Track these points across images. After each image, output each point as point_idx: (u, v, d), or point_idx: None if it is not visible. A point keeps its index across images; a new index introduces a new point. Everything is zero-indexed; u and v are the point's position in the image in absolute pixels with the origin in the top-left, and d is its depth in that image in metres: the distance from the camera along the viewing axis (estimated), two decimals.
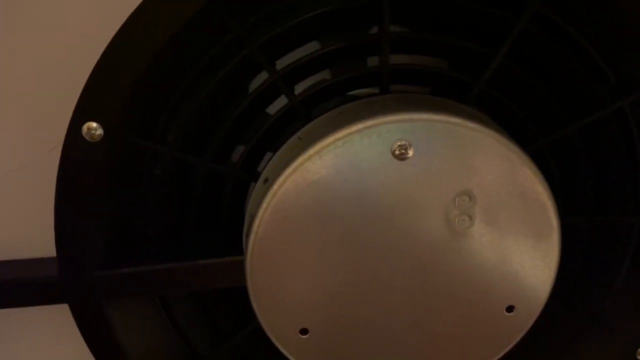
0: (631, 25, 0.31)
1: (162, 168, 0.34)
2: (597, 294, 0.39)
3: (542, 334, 0.41)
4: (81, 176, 0.32)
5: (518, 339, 0.35)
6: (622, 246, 0.38)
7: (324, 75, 0.37)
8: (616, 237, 0.38)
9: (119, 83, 0.30)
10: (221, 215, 0.35)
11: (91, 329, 0.35)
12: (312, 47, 0.35)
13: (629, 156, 0.35)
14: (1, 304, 0.34)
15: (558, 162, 0.36)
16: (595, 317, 0.39)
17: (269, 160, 0.35)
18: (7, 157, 0.33)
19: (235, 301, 0.38)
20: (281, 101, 0.34)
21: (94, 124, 0.30)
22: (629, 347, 0.39)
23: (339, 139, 0.30)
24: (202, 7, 0.30)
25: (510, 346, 0.35)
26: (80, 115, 0.30)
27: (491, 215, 0.32)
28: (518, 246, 0.32)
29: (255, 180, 0.34)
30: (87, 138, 0.31)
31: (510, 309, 0.34)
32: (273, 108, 0.35)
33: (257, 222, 0.31)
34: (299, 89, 0.35)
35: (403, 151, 0.30)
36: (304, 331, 0.34)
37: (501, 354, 0.35)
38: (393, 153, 0.30)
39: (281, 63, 0.34)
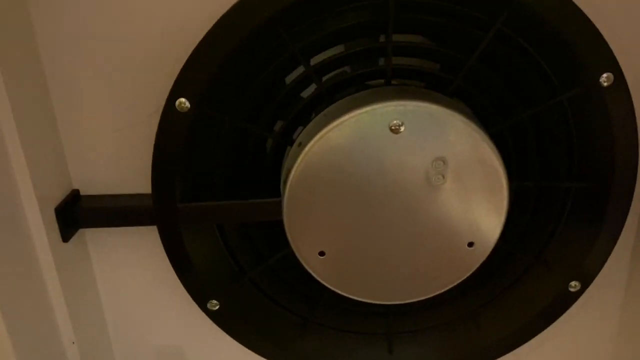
0: (564, 43, 0.43)
1: (226, 133, 0.47)
2: (541, 239, 0.52)
3: (498, 270, 0.54)
4: (171, 137, 0.45)
5: (476, 267, 0.48)
6: (562, 204, 0.51)
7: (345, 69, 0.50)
8: (557, 197, 0.51)
9: (203, 72, 0.43)
10: (266, 168, 0.49)
11: (170, 244, 0.49)
12: (339, 48, 0.48)
13: (566, 137, 0.48)
14: (114, 224, 0.48)
15: (514, 139, 0.49)
16: (538, 257, 0.52)
17: (301, 131, 0.48)
18: (120, 118, 0.47)
19: (272, 232, 0.52)
20: (313, 87, 0.47)
21: (184, 99, 0.44)
22: (562, 281, 0.52)
23: (352, 117, 0.42)
24: (262, 20, 0.43)
25: (471, 272, 0.48)
26: (175, 92, 0.44)
27: (459, 175, 0.44)
28: (477, 198, 0.45)
29: (292, 145, 0.47)
30: (178, 109, 0.44)
31: (470, 244, 0.47)
32: (307, 91, 0.48)
33: (292, 173, 0.44)
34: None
35: (397, 127, 0.43)
36: (321, 253, 0.47)
37: (463, 278, 0.48)
38: (390, 129, 0.43)
39: (315, 59, 0.47)
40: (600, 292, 0.54)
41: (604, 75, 0.43)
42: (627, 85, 0.44)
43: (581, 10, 0.41)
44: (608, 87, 0.44)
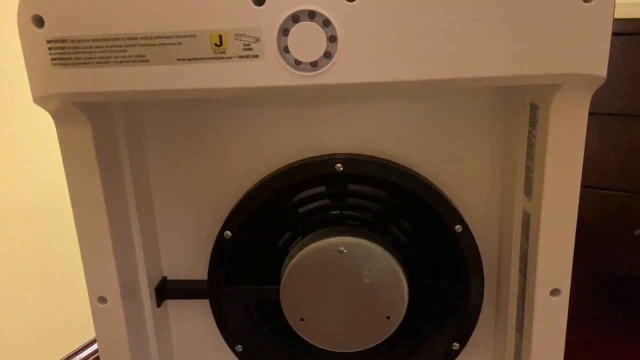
0: (432, 207, 0.79)
1: (252, 247, 0.84)
2: (437, 314, 0.85)
3: (411, 334, 0.88)
4: (220, 251, 0.82)
5: (392, 331, 0.81)
6: (446, 294, 0.84)
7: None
8: (444, 290, 0.85)
9: (240, 217, 0.80)
10: (275, 267, 0.85)
11: (215, 309, 0.85)
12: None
13: (445, 257, 0.82)
14: (185, 297, 0.85)
15: (416, 255, 0.83)
16: (435, 326, 0.86)
17: (293, 247, 0.84)
18: (192, 237, 0.84)
19: (276, 304, 0.87)
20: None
21: (229, 232, 0.81)
22: (448, 342, 0.85)
23: (318, 244, 0.78)
24: (270, 193, 0.80)
25: (389, 334, 0.82)
26: (223, 227, 0.81)
27: (379, 277, 0.79)
28: (390, 290, 0.79)
29: (287, 255, 0.83)
30: (225, 237, 0.81)
31: (388, 317, 0.81)
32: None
33: (285, 274, 0.80)
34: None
35: (342, 251, 0.78)
36: (302, 319, 0.82)
37: (385, 337, 0.82)
38: (338, 251, 0.78)
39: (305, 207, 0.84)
40: (474, 349, 0.86)
41: (457, 226, 0.78)
42: (471, 232, 0.78)
43: (439, 190, 0.77)
44: (460, 232, 0.79)
